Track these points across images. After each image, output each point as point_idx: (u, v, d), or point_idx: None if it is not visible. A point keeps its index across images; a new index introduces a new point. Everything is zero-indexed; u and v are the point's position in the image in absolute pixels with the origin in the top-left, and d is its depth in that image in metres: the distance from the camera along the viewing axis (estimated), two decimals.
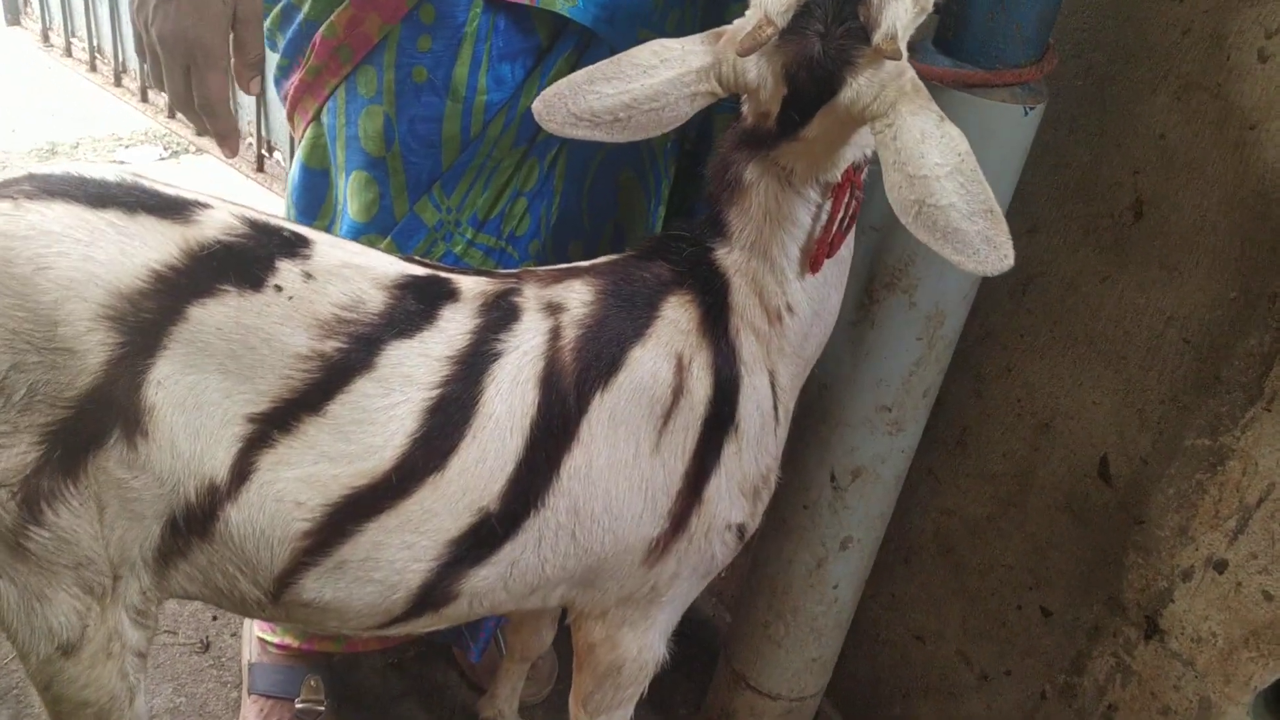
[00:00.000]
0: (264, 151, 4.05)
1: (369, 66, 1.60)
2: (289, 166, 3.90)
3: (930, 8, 1.33)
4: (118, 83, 4.69)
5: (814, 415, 1.82)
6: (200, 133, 1.54)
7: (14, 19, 5.19)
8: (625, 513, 1.41)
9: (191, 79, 1.43)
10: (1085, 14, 1.71)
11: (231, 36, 1.45)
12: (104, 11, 4.60)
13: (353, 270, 1.31)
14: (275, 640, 2.14)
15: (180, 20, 1.40)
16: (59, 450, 1.21)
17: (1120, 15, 1.67)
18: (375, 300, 1.30)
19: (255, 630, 2.18)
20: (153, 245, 1.21)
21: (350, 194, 1.68)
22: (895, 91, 1.29)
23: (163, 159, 4.79)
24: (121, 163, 4.72)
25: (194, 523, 1.28)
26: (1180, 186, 1.64)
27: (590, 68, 1.41)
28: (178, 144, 4.82)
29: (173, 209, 1.25)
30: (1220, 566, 1.69)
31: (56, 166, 1.28)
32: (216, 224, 1.26)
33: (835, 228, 1.42)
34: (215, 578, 1.34)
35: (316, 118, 1.70)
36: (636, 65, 1.40)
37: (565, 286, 1.42)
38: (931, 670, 2.20)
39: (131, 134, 4.95)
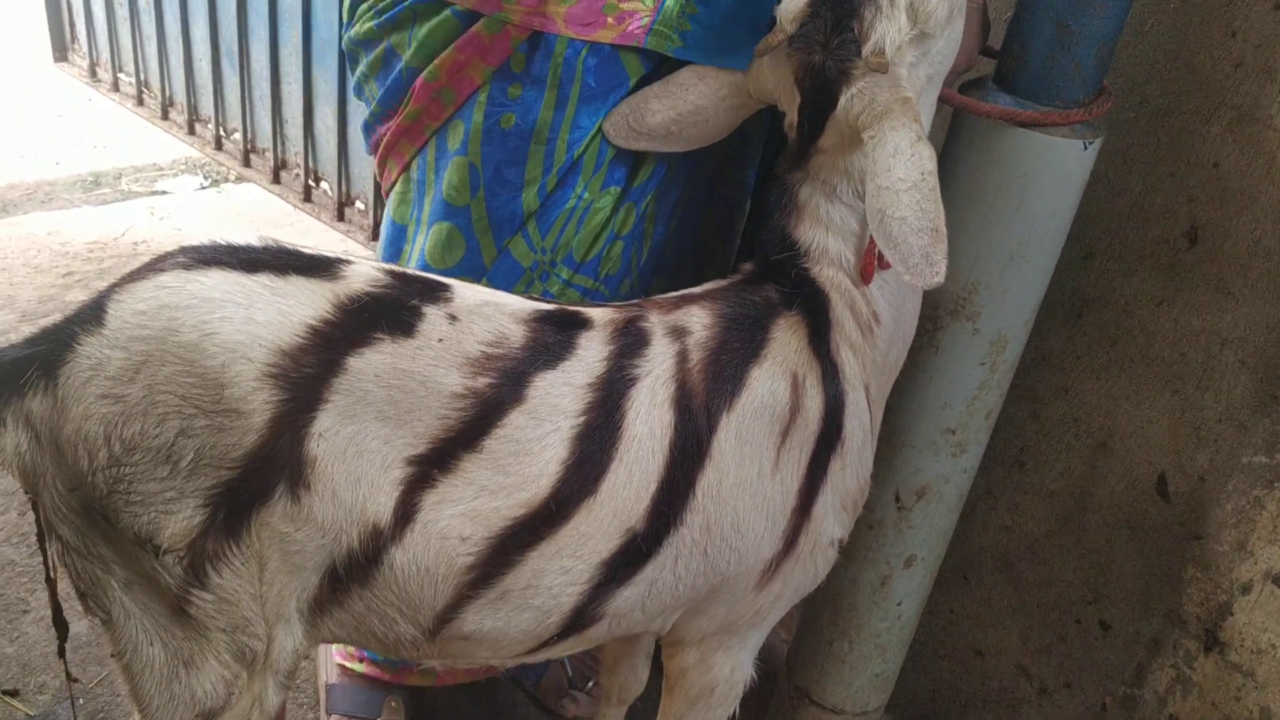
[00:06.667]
0: (311, 182, 4.13)
1: (458, 120, 1.67)
2: (336, 197, 4.00)
3: (934, 31, 1.42)
4: (165, 116, 4.78)
5: (879, 437, 1.88)
6: None
7: (61, 55, 5.30)
8: (749, 532, 1.47)
9: None
10: (1139, 49, 1.77)
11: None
12: (152, 48, 4.70)
13: (492, 308, 1.38)
14: (362, 670, 2.18)
15: None
16: (224, 511, 1.26)
17: (1173, 50, 1.73)
18: (517, 335, 1.37)
19: (335, 658, 2.24)
20: (307, 303, 1.27)
21: (431, 244, 1.74)
22: (884, 105, 1.37)
23: (203, 188, 4.90)
24: (164, 192, 4.83)
25: (355, 569, 1.33)
26: (1234, 214, 1.70)
27: (645, 89, 1.62)
28: (218, 173, 4.93)
29: (320, 267, 1.31)
30: (1279, 580, 1.74)
31: (205, 239, 1.34)
32: (362, 277, 1.32)
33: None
34: (371, 622, 1.39)
35: (407, 169, 1.77)
36: (680, 85, 1.61)
37: (685, 312, 1.48)
38: (991, 683, 2.25)
39: (172, 163, 5.06)
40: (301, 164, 4.11)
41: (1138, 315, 1.86)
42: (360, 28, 1.74)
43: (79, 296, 3.77)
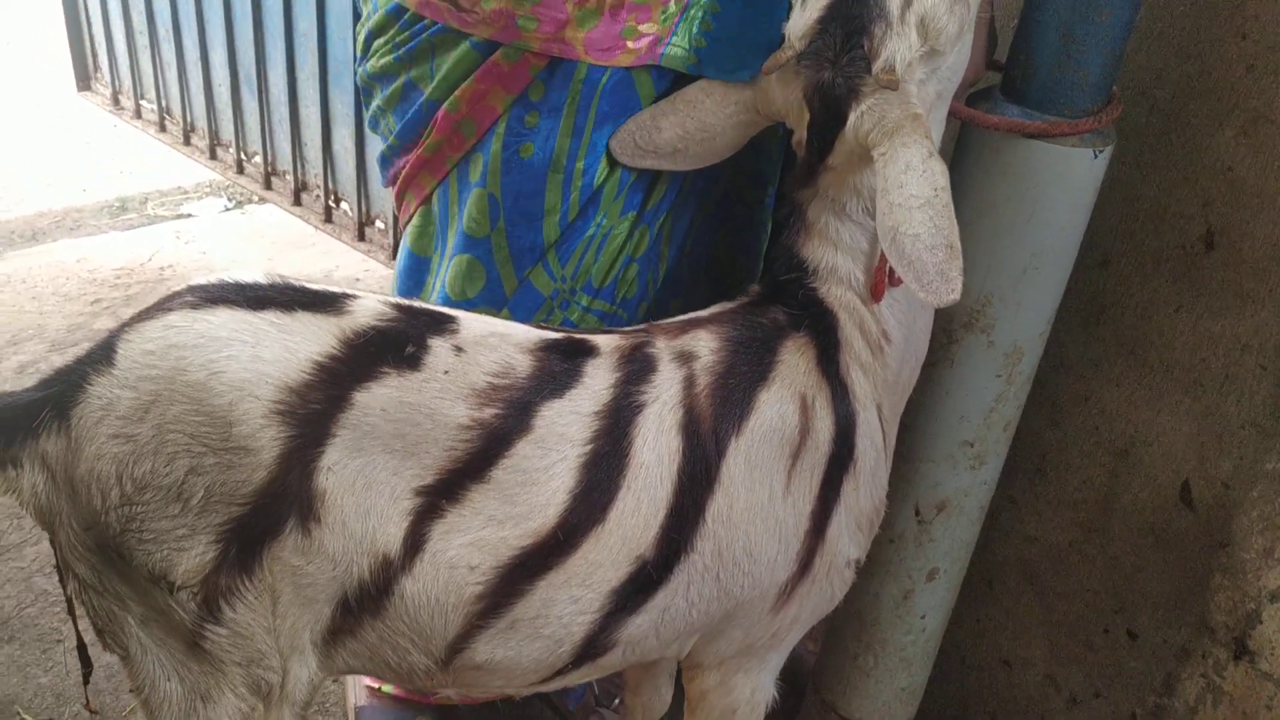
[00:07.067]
0: (331, 203, 4.16)
1: (478, 153, 1.67)
2: (356, 217, 4.02)
3: (944, 48, 1.40)
4: (187, 141, 4.83)
5: (898, 452, 1.87)
6: None
7: (85, 84, 5.36)
8: (762, 556, 1.46)
9: None
10: (1150, 53, 1.75)
11: None
12: (172, 74, 4.74)
13: (498, 338, 1.38)
14: (391, 691, 2.19)
15: None
16: (235, 547, 1.27)
17: (1184, 53, 1.71)
18: (523, 365, 1.37)
19: (364, 680, 2.25)
20: (313, 339, 1.28)
21: (451, 276, 1.74)
22: (894, 122, 1.36)
23: (227, 209, 4.95)
24: (189, 215, 4.88)
25: (366, 600, 1.34)
26: (1250, 217, 1.68)
27: (653, 106, 1.62)
28: (242, 195, 4.97)
29: (326, 303, 1.32)
30: None
31: (212, 276, 1.36)
32: (368, 311, 1.33)
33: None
34: (384, 652, 1.40)
35: (428, 200, 1.76)
36: (688, 102, 1.60)
37: (692, 336, 1.48)
38: (1019, 694, 2.23)
39: (196, 186, 5.12)
40: (321, 185, 4.14)
41: (1156, 321, 1.84)
42: (377, 61, 1.74)
43: (107, 324, 3.82)
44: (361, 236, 4.09)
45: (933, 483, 1.88)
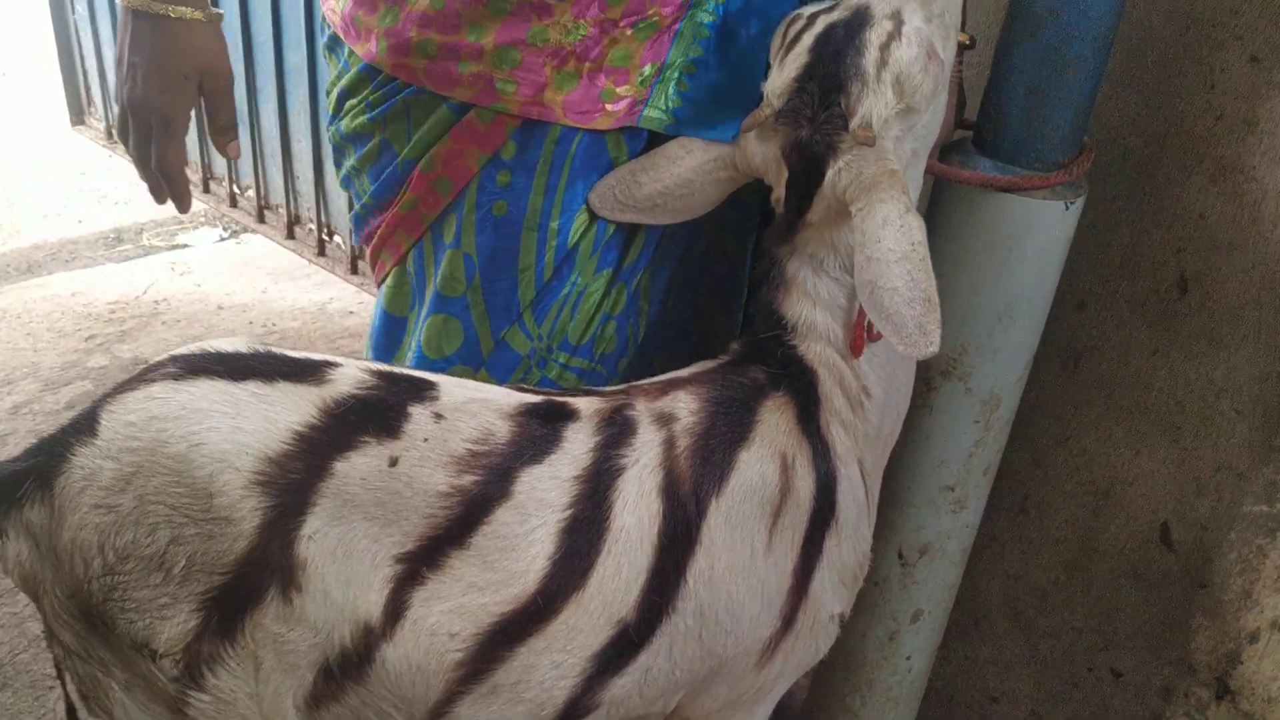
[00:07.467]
0: (324, 236, 4.19)
1: (451, 214, 1.68)
2: (349, 250, 4.06)
3: (919, 105, 1.43)
4: None
5: (881, 497, 1.88)
6: (157, 197, 1.67)
7: (78, 119, 5.41)
8: (745, 614, 1.46)
9: (152, 146, 1.58)
10: (1121, 101, 1.78)
11: (202, 104, 1.61)
12: None
13: (478, 405, 1.38)
14: None
15: (145, 89, 1.55)
16: (217, 615, 1.28)
17: (1154, 103, 1.73)
18: (503, 430, 1.37)
19: None
20: (293, 409, 1.29)
21: (427, 335, 1.74)
22: (872, 178, 1.38)
23: (223, 239, 4.97)
24: (185, 245, 4.91)
25: (349, 666, 1.34)
26: (1222, 263, 1.70)
27: (633, 161, 1.63)
28: (236, 225, 5.00)
29: (306, 372, 1.33)
30: None
31: (195, 346, 1.37)
32: (348, 380, 1.34)
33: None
34: (367, 716, 1.39)
35: (404, 260, 1.77)
36: (667, 157, 1.61)
37: (672, 398, 1.48)
38: None
39: (191, 216, 5.13)
40: (314, 219, 4.17)
41: (1133, 365, 1.86)
42: (351, 122, 1.73)
43: (100, 362, 3.84)
44: (355, 270, 4.12)
45: (915, 526, 1.89)
